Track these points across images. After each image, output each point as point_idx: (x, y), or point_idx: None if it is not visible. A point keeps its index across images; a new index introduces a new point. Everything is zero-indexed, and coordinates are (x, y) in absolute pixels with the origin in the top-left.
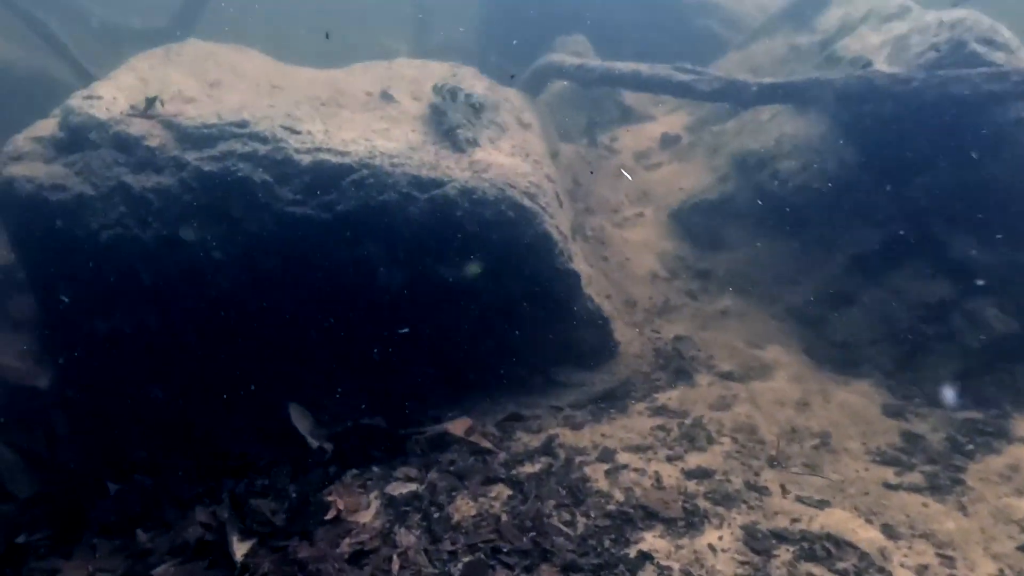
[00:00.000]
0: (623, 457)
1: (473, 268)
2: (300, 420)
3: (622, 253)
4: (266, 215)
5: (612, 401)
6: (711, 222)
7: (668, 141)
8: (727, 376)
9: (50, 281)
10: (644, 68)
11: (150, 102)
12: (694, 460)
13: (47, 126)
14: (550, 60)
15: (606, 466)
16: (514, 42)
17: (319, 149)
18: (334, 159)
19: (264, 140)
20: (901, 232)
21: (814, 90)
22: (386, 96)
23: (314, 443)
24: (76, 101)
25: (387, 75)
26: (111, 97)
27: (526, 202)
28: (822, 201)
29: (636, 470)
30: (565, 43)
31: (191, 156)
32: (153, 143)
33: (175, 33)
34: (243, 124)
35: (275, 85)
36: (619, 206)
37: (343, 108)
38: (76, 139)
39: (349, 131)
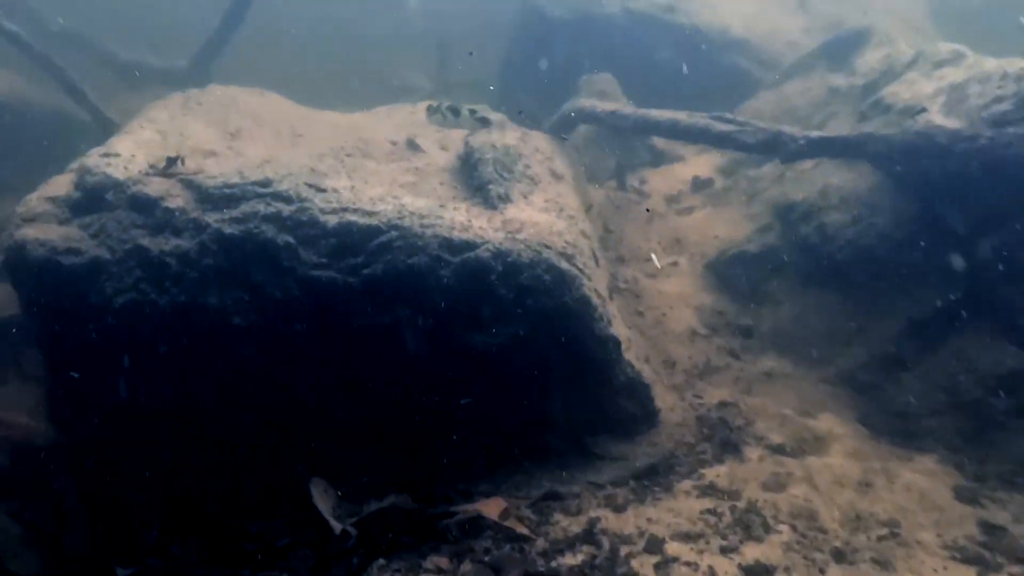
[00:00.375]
0: (672, 548)
1: (506, 334)
2: (322, 500)
3: (658, 307)
4: (289, 279)
5: (655, 477)
6: (752, 275)
7: (700, 184)
8: (779, 450)
9: (62, 348)
10: (682, 117)
11: (170, 161)
12: (751, 552)
13: (62, 184)
14: (581, 105)
15: (655, 559)
16: (543, 80)
17: (345, 209)
18: (361, 220)
19: (288, 200)
20: (964, 295)
21: (870, 146)
22: (412, 145)
23: (337, 527)
24: (93, 160)
25: (412, 121)
26: (129, 154)
27: (563, 264)
28: (874, 258)
29: (688, 564)
30: (592, 81)
31: (212, 218)
32: (172, 204)
33: (195, 72)
34: (266, 183)
35: (298, 133)
36: (651, 254)
37: (368, 158)
38: (92, 199)
39: (376, 186)
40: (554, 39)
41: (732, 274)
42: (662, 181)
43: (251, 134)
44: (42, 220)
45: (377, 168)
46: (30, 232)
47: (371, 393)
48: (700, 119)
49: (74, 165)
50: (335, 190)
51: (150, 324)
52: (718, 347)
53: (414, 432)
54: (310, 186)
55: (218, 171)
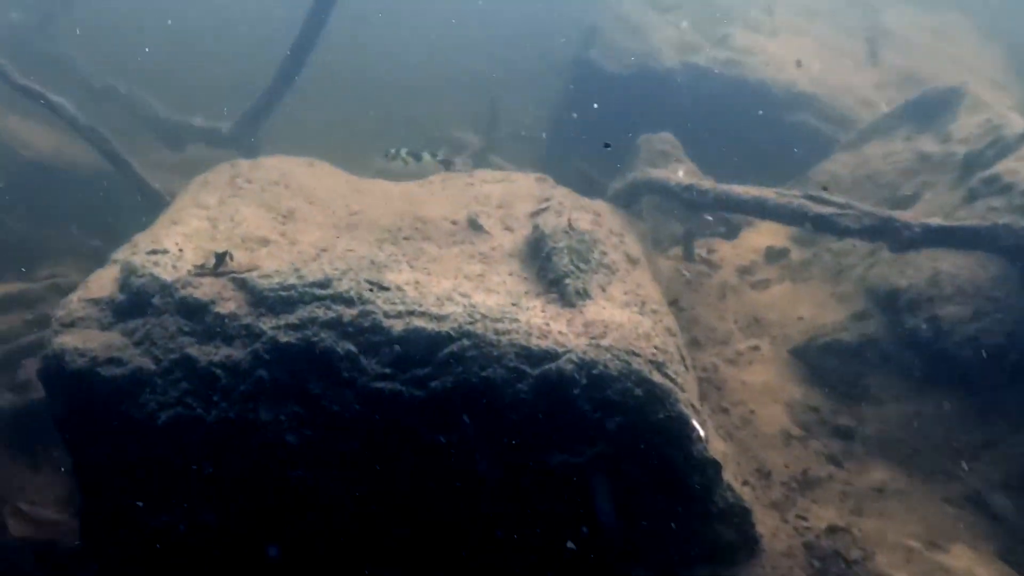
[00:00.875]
0: None
1: (589, 455)
2: None
3: (743, 402)
4: (349, 392)
5: None
6: (848, 368)
7: (774, 255)
8: None
9: (97, 467)
10: (771, 195)
11: (220, 258)
12: None
13: (104, 284)
14: (650, 177)
15: None
16: (597, 138)
17: (412, 312)
18: (429, 326)
19: (349, 302)
20: None
21: (1004, 239)
22: (474, 225)
23: None
24: (139, 258)
25: (470, 195)
26: (177, 250)
27: (655, 376)
28: (1003, 359)
29: None
30: (651, 141)
31: (267, 324)
32: (224, 309)
33: (239, 135)
34: (325, 283)
35: (352, 211)
36: (729, 337)
37: (428, 241)
38: (138, 303)
39: (440, 278)
40: (608, 95)
41: (824, 365)
42: (731, 250)
43: (305, 216)
44: (83, 325)
45: (439, 254)
46: (69, 340)
47: (437, 519)
48: (792, 199)
49: (118, 256)
50: (399, 288)
51: (195, 443)
52: (816, 452)
53: (485, 563)
54: (371, 284)
55: (273, 268)
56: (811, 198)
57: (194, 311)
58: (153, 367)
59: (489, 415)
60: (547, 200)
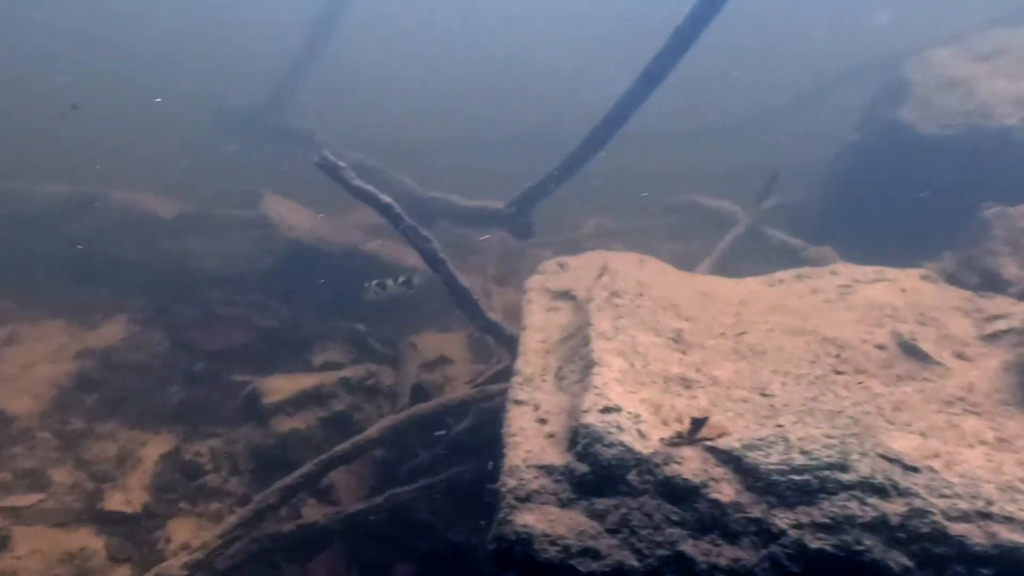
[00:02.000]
0: None
1: None
2: None
3: None
4: None
5: None
6: None
7: None
8: None
9: None
10: None
11: (697, 424)
12: None
13: (537, 443)
14: None
15: None
16: (897, 210)
17: (985, 515)
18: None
19: (881, 492)
20: None
21: None
22: (911, 351)
23: None
24: (593, 418)
25: (859, 302)
26: (631, 409)
27: None
28: None
29: None
30: (1010, 216)
31: (784, 521)
32: (720, 495)
33: (514, 217)
34: (843, 465)
35: (735, 330)
36: None
37: (864, 375)
38: (606, 478)
39: (941, 442)
40: (913, 160)
41: None
42: None
43: (690, 338)
44: (538, 500)
45: (896, 398)
46: (532, 521)
47: None
48: None
49: (520, 394)
50: (930, 468)
51: None
52: None
53: None
54: (890, 459)
55: (749, 434)
56: None
57: (682, 495)
58: (636, 563)
59: None
60: (1001, 315)
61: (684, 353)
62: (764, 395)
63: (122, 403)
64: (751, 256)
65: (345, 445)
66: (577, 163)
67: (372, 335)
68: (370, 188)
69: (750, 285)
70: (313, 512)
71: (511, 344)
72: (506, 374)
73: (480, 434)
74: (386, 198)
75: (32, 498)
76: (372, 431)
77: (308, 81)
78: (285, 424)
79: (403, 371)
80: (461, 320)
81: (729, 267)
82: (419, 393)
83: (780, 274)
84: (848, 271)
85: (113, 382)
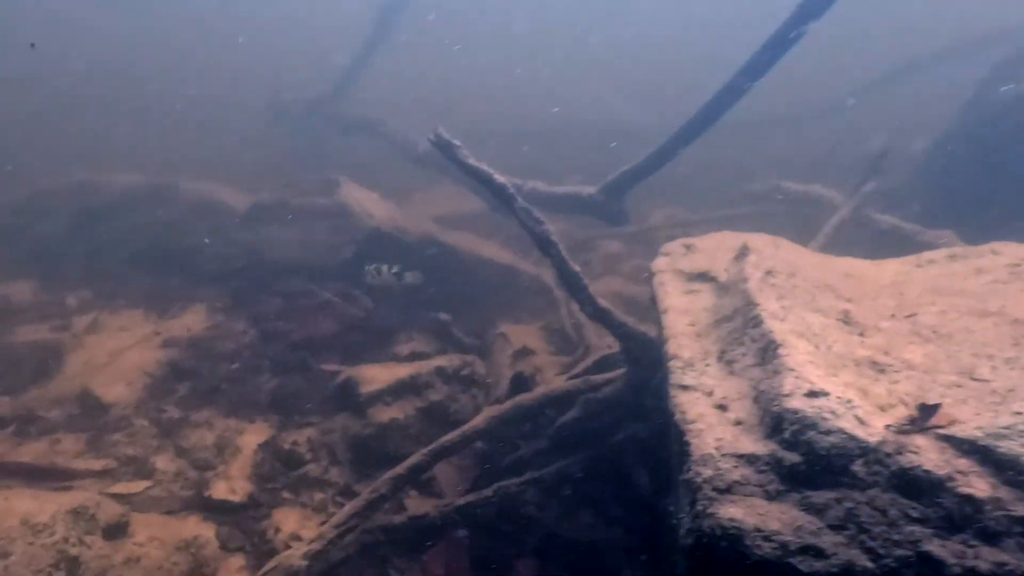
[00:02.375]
0: None
1: None
2: None
3: None
4: None
5: None
6: None
7: None
8: None
9: None
10: None
11: (926, 410)
12: None
13: (738, 435)
14: None
15: None
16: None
17: None
18: None
19: None
20: None
21: None
22: None
23: None
24: (800, 403)
25: (991, 278)
26: (840, 393)
27: None
28: None
29: None
30: None
31: None
32: (973, 490)
33: (605, 203)
34: None
35: (905, 312)
36: None
37: None
38: (825, 468)
39: None
40: None
41: None
42: None
43: (862, 319)
44: (741, 492)
45: None
46: (738, 513)
47: None
48: None
49: (698, 395)
50: None
51: None
52: None
53: None
54: None
55: (980, 419)
56: None
57: (922, 489)
58: (870, 564)
59: None
60: None
61: (862, 335)
62: (977, 380)
63: (215, 392)
64: (854, 242)
65: (453, 435)
66: (672, 151)
67: (456, 325)
68: (485, 168)
69: (894, 266)
70: (419, 504)
71: (622, 331)
72: (604, 364)
73: (585, 426)
74: (500, 178)
75: (140, 484)
76: (478, 421)
77: (369, 75)
78: (384, 414)
79: (495, 361)
80: (531, 312)
81: (835, 254)
82: (520, 383)
83: (928, 254)
84: (1011, 250)
85: (204, 371)
